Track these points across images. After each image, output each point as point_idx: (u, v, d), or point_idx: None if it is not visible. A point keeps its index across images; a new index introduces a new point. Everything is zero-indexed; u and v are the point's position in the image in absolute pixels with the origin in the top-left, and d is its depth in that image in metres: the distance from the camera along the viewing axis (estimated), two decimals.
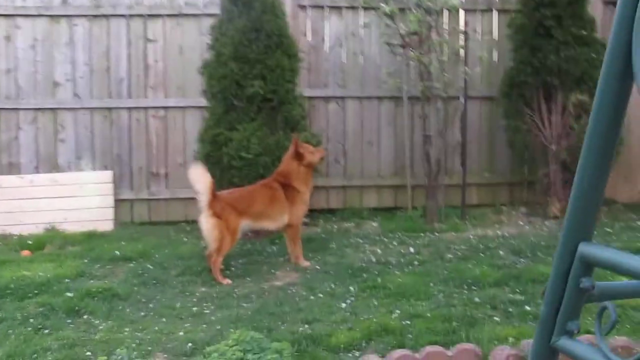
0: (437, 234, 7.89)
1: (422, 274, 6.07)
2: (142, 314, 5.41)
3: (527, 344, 4.15)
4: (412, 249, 7.03)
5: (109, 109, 9.02)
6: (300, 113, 8.06)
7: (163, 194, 9.14)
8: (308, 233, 7.66)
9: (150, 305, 5.60)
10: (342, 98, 9.46)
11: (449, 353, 4.16)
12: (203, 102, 8.90)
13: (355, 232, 8.06)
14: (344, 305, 5.41)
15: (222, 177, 7.81)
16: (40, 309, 5.46)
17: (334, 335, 4.70)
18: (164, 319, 5.28)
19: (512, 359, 4.08)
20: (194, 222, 8.70)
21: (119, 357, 4.17)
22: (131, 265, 6.78)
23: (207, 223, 6.31)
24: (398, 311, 5.14)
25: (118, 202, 8.99)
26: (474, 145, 9.50)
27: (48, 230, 8.52)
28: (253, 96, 7.76)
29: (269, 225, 6.63)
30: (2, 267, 6.67)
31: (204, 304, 5.62)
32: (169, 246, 7.39)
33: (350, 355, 4.46)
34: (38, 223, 8.58)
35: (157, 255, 7.01)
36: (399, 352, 4.14)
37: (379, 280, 5.96)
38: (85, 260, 6.91)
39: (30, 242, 7.81)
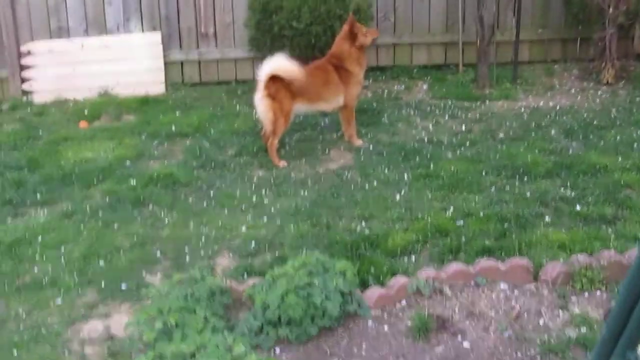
0: (488, 102, 7.84)
1: (475, 160, 6.15)
2: (204, 204, 5.64)
3: (576, 259, 4.31)
4: (464, 126, 7.04)
5: None
6: None
7: (213, 54, 9.11)
8: (360, 99, 7.63)
9: (211, 193, 5.82)
10: None
11: (502, 267, 4.34)
12: None
13: (406, 99, 8.04)
14: (398, 197, 5.57)
15: (273, 45, 7.77)
16: (107, 199, 5.73)
17: (391, 237, 4.90)
18: (225, 211, 5.52)
19: (562, 277, 4.25)
20: (244, 82, 8.83)
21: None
22: (187, 142, 6.96)
23: (261, 104, 6.35)
24: (452, 207, 5.29)
25: (168, 63, 9.01)
26: (527, 0, 9.16)
27: (101, 94, 8.66)
28: None
29: (324, 106, 6.67)
30: (64, 145, 6.90)
31: (263, 191, 5.83)
32: (223, 119, 7.50)
33: (406, 259, 4.68)
34: (91, 87, 8.71)
35: (212, 131, 7.15)
36: (454, 267, 4.34)
37: (432, 166, 6.07)
38: (143, 137, 7.09)
39: (86, 112, 7.97)
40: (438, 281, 4.24)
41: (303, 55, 7.72)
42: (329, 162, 6.41)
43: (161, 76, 8.91)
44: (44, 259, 4.88)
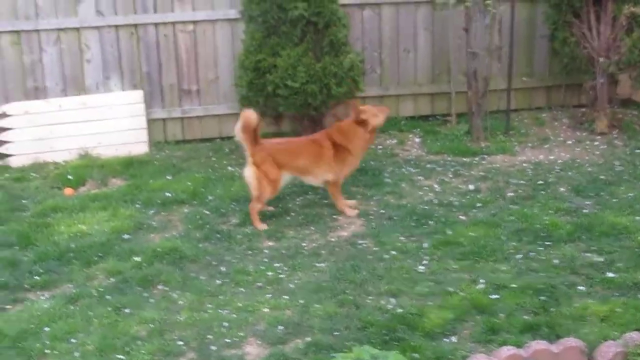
0: (486, 157, 7.75)
1: (491, 224, 5.97)
2: (218, 282, 5.32)
3: (630, 337, 4.14)
4: (470, 185, 6.90)
5: (135, 25, 8.54)
6: (345, 34, 7.66)
7: (196, 111, 8.86)
8: None
9: (223, 269, 5.51)
10: (378, 4, 9.00)
11: (555, 350, 4.12)
12: (234, 14, 8.50)
13: (403, 156, 7.89)
14: (422, 268, 5.35)
15: (267, 105, 7.56)
16: (112, 280, 5.37)
17: (425, 316, 4.66)
18: (242, 289, 5.21)
19: (619, 357, 4.07)
20: (229, 139, 8.56)
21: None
22: (185, 210, 6.65)
23: (247, 171, 6.27)
24: (482, 280, 5.08)
25: (150, 121, 8.72)
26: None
27: (82, 156, 8.31)
28: (296, 19, 7.33)
29: (312, 181, 6.48)
30: (54, 217, 6.52)
31: (276, 265, 5.54)
32: (218, 183, 7.21)
33: (447, 341, 4.44)
34: (70, 149, 8.36)
35: (210, 197, 6.86)
36: (507, 351, 4.11)
37: (449, 232, 5.88)
38: (137, 206, 6.75)
39: (70, 177, 7.59)
40: None
41: (298, 114, 7.54)
42: (339, 229, 6.16)
43: (144, 135, 8.60)
44: (56, 353, 4.49)
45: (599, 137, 8.17)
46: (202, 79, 8.80)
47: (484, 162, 7.57)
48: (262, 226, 6.20)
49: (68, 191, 7.34)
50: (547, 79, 9.56)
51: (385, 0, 8.99)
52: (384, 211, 6.42)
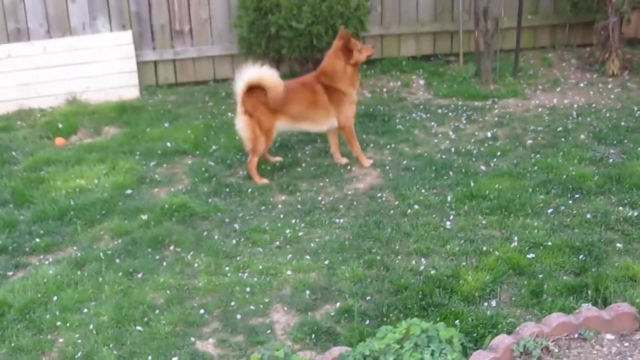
0: (497, 100, 7.45)
1: (515, 175, 5.68)
2: (233, 241, 5.00)
3: None
4: (486, 132, 6.59)
5: None
6: None
7: (189, 52, 8.39)
8: (360, 101, 7.06)
9: (237, 227, 5.18)
10: None
11: (607, 316, 3.89)
12: None
13: (411, 100, 7.56)
14: (449, 224, 5.06)
15: (268, 47, 7.13)
16: (120, 242, 5.02)
17: (461, 278, 4.39)
18: (259, 249, 4.90)
19: None
20: (224, 82, 8.19)
21: None
22: (189, 162, 6.28)
23: (239, 122, 5.86)
24: (516, 238, 4.80)
25: (141, 64, 8.25)
26: None
27: (70, 102, 7.88)
28: None
29: (311, 127, 6.06)
30: (49, 171, 6.13)
31: (293, 221, 5.23)
32: (220, 131, 6.83)
33: (488, 305, 4.18)
34: (57, 94, 7.91)
35: (213, 147, 6.48)
36: (557, 319, 3.87)
37: (473, 184, 5.57)
38: (137, 157, 6.36)
39: (60, 126, 7.16)
40: (543, 337, 3.77)
41: (302, 57, 7.13)
42: (355, 181, 5.84)
43: (134, 79, 8.15)
44: (68, 326, 4.15)
45: (610, 79, 7.89)
46: (194, 18, 8.32)
47: (496, 106, 7.25)
48: (262, 180, 5.85)
49: (59, 141, 6.92)
50: (552, 16, 9.21)
51: None
52: (400, 161, 6.09)
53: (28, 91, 7.80)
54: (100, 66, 8.01)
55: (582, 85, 7.81)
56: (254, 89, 5.69)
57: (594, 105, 7.16)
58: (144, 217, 5.29)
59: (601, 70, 8.07)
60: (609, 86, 7.69)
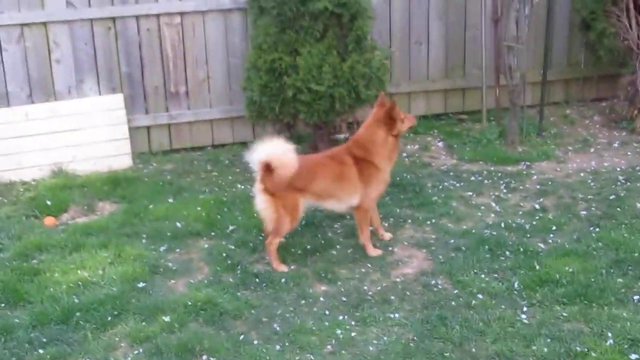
0: (529, 164, 6.88)
1: (581, 253, 5.05)
2: (277, 347, 4.22)
3: None
4: (533, 203, 5.98)
5: (113, 18, 7.28)
6: (370, 27, 6.59)
7: (185, 116, 7.68)
8: None
9: (277, 328, 4.40)
10: None
11: None
12: (227, 3, 7.37)
13: (437, 165, 6.95)
14: (524, 317, 4.37)
15: (283, 112, 6.46)
16: (140, 351, 4.20)
17: None
18: (310, 356, 4.13)
19: None
20: (223, 147, 7.54)
21: None
22: (205, 245, 5.51)
23: (259, 201, 5.07)
24: (609, 334, 4.13)
25: (133, 130, 7.49)
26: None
27: (55, 173, 7.09)
28: (319, 12, 6.22)
29: (335, 206, 5.29)
30: (43, 260, 5.31)
31: (341, 319, 4.48)
32: (234, 206, 6.08)
33: None
34: (42, 165, 7.11)
35: (230, 227, 5.72)
36: None
37: (537, 266, 4.91)
38: (144, 240, 5.57)
39: (48, 202, 6.33)
40: None
41: (321, 122, 6.47)
42: (401, 265, 5.14)
43: (126, 146, 7.39)
44: None
45: None
46: (191, 78, 7.63)
47: (532, 171, 6.67)
48: (281, 267, 5.10)
49: (49, 221, 6.10)
50: (565, 70, 8.77)
51: None
52: (446, 239, 5.41)
53: (8, 162, 6.98)
54: (88, 133, 7.24)
55: (615, 145, 7.29)
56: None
57: (638, 168, 6.61)
58: (166, 318, 4.48)
59: (630, 128, 7.60)
60: None
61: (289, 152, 4.96)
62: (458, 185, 6.42)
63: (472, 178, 6.55)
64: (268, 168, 4.93)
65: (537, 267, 4.91)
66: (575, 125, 7.96)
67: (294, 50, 6.32)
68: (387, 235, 5.48)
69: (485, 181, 6.47)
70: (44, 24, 7.09)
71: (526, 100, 7.94)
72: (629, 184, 6.25)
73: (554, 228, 5.49)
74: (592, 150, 7.20)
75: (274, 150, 4.94)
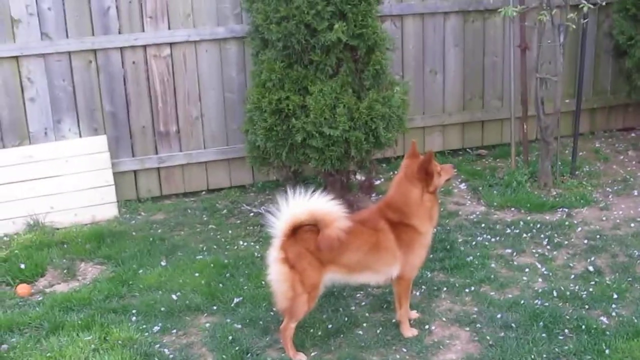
0: (568, 211, 6.12)
1: None
2: None
3: None
4: (586, 264, 5.19)
5: (94, 50, 6.47)
6: (390, 60, 5.81)
7: (176, 159, 6.88)
8: None
9: None
10: (400, 16, 7.25)
11: None
12: (222, 33, 6.59)
13: (465, 215, 6.19)
14: None
15: (290, 158, 5.65)
16: None
17: None
18: None
19: None
20: (219, 191, 6.74)
21: None
22: (206, 323, 4.66)
23: (274, 272, 4.19)
24: None
25: (118, 175, 6.67)
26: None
27: (31, 226, 6.28)
28: (332, 45, 5.43)
29: (370, 279, 4.45)
30: (15, 345, 4.45)
31: None
32: (239, 272, 5.26)
33: None
34: (15, 217, 6.31)
35: (235, 300, 4.88)
36: None
37: (606, 350, 4.11)
38: (133, 318, 4.72)
39: (22, 266, 5.48)
40: None
41: (334, 170, 5.67)
42: (443, 349, 4.32)
43: (111, 194, 6.56)
44: None
45: None
46: (182, 117, 6.84)
47: (575, 221, 5.90)
48: (300, 357, 4.25)
49: (22, 289, 5.28)
50: (591, 100, 8.09)
51: (408, 10, 7.22)
52: (489, 313, 4.60)
53: None
54: (67, 180, 6.42)
55: None
56: (301, 230, 4.15)
57: None
58: None
59: None
60: None
61: (336, 208, 4.11)
62: (493, 240, 5.63)
63: (508, 230, 5.76)
64: (294, 232, 4.11)
65: (606, 350, 4.11)
66: (609, 162, 7.23)
67: (303, 89, 5.51)
68: (413, 315, 4.64)
69: (524, 235, 5.68)
70: (16, 58, 6.27)
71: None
72: None
73: (615, 296, 4.70)
74: (635, 193, 6.44)
75: (317, 206, 4.09)
